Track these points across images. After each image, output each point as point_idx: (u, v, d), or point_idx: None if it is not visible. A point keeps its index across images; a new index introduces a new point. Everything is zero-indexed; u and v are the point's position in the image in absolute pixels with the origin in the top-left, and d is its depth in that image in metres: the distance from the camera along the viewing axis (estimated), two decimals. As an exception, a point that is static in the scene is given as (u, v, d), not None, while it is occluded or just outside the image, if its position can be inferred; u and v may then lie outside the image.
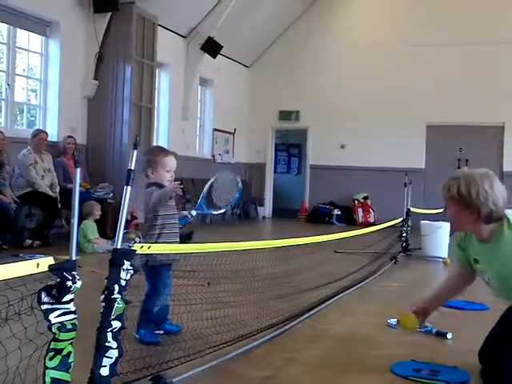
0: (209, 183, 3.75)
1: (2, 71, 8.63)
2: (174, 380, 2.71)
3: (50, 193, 7.84)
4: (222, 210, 3.76)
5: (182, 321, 3.53)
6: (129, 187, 2.44)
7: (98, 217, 7.77)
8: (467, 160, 13.13)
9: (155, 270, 3.58)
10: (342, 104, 14.46)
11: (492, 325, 3.15)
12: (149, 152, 4.03)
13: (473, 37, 13.16)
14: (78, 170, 2.22)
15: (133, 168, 2.45)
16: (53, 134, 8.93)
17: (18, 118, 9.30)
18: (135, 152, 2.46)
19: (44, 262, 2.02)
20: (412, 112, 13.70)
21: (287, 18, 14.90)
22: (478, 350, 3.10)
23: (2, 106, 8.66)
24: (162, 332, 3.64)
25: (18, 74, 9.00)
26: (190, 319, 3.53)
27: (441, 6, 13.59)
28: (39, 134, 8.02)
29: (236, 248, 3.67)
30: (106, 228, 8.26)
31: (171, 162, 3.71)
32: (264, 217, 15.32)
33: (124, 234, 6.53)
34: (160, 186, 3.63)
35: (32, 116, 9.46)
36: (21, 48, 8.98)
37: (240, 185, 3.87)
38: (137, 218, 7.50)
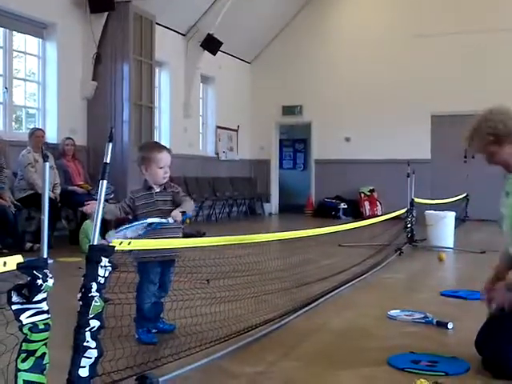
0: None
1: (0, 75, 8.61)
2: (160, 379, 2.64)
3: (51, 194, 7.77)
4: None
5: (175, 317, 3.45)
6: (105, 181, 2.38)
7: (99, 217, 7.69)
8: (474, 149, 12.96)
9: (144, 266, 3.50)
10: (346, 97, 14.32)
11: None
12: (142, 148, 3.96)
13: (475, 24, 12.99)
14: (47, 164, 2.16)
15: (108, 161, 2.40)
16: (53, 137, 8.90)
17: (18, 121, 9.26)
18: (110, 145, 2.42)
19: (12, 261, 1.96)
20: (416, 103, 13.55)
21: (287, 12, 14.79)
22: (475, 338, 3.02)
23: (1, 109, 8.62)
24: (155, 331, 3.55)
25: (16, 78, 8.98)
26: (183, 315, 3.45)
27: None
28: (35, 132, 7.92)
29: (232, 242, 3.59)
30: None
31: (165, 158, 3.59)
32: (270, 213, 15.21)
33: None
34: (149, 186, 3.56)
35: (31, 117, 9.41)
36: (18, 51, 8.94)
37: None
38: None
